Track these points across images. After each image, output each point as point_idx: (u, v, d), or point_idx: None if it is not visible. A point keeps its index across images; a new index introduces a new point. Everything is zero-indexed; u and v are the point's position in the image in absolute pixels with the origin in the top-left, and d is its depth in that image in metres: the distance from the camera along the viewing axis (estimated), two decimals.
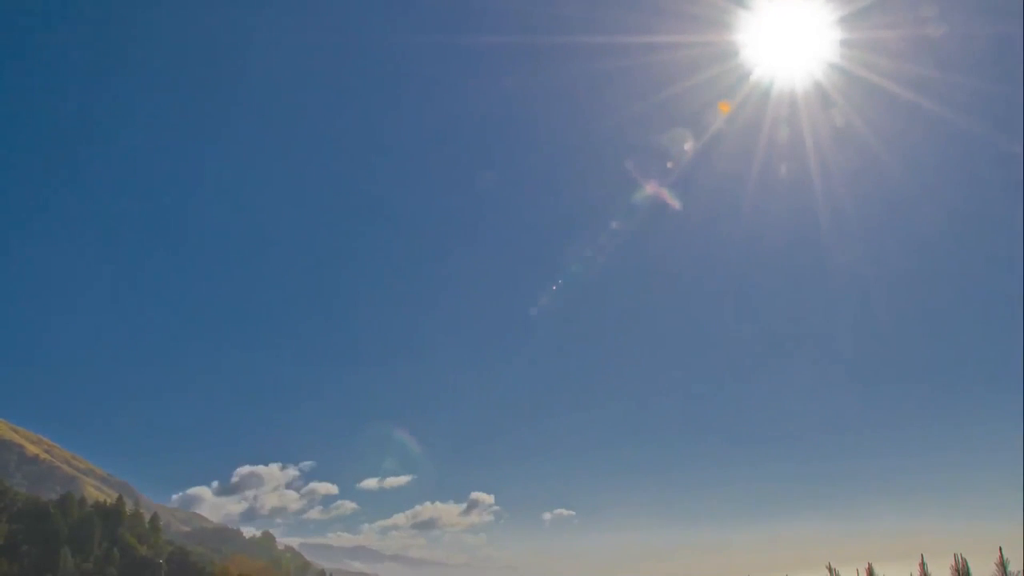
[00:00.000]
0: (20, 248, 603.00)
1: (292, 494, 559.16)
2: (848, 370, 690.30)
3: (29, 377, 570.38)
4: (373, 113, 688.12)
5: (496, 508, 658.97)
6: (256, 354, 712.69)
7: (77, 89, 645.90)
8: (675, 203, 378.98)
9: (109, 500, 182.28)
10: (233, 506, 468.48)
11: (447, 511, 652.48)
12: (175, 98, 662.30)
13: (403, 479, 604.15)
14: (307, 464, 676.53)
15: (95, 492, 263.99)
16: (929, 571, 30.84)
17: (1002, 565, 29.96)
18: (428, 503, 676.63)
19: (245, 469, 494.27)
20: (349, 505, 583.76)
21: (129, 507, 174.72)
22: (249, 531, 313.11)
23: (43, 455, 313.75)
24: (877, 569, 32.11)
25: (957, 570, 30.53)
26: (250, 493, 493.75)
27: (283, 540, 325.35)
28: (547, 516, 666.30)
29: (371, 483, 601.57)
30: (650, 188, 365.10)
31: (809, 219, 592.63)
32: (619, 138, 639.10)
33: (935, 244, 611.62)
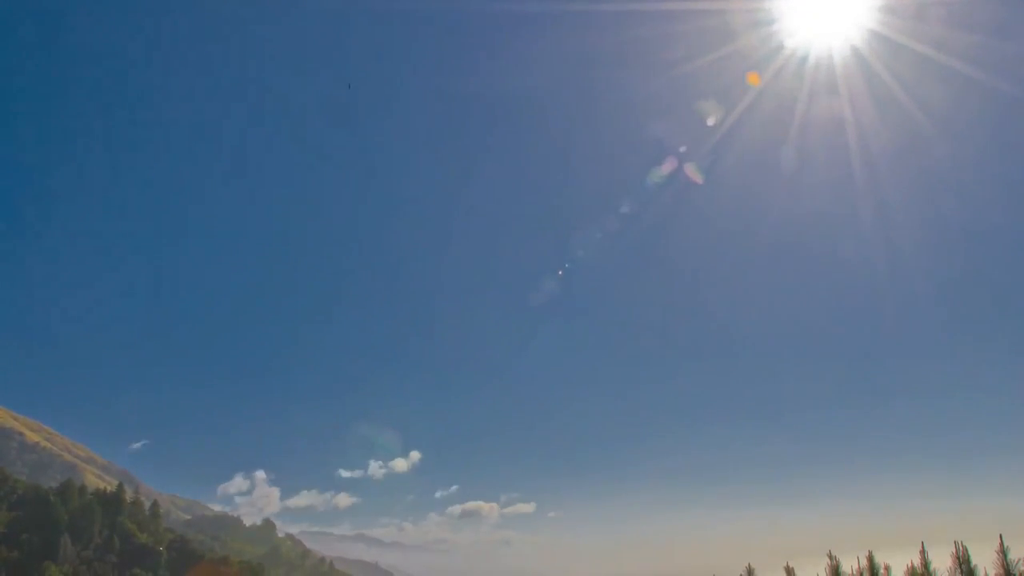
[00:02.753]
0: (22, 240, 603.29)
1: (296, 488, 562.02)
2: (853, 360, 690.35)
3: (30, 365, 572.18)
4: (374, 91, 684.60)
5: (495, 503, 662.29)
6: (257, 349, 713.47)
7: (91, 87, 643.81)
8: (697, 177, 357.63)
9: (109, 488, 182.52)
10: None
11: (445, 505, 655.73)
12: (183, 96, 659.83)
13: (399, 473, 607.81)
14: (308, 459, 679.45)
15: (95, 480, 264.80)
16: (929, 558, 30.56)
17: (1002, 552, 29.67)
18: (426, 497, 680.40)
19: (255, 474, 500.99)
20: (350, 498, 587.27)
21: (129, 495, 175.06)
22: (250, 519, 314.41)
23: (44, 443, 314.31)
24: (877, 556, 31.85)
25: (957, 557, 30.23)
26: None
27: (283, 528, 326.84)
28: (544, 509, 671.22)
29: (368, 478, 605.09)
30: (668, 167, 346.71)
31: (846, 197, 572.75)
32: (639, 113, 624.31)
33: (980, 221, 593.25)
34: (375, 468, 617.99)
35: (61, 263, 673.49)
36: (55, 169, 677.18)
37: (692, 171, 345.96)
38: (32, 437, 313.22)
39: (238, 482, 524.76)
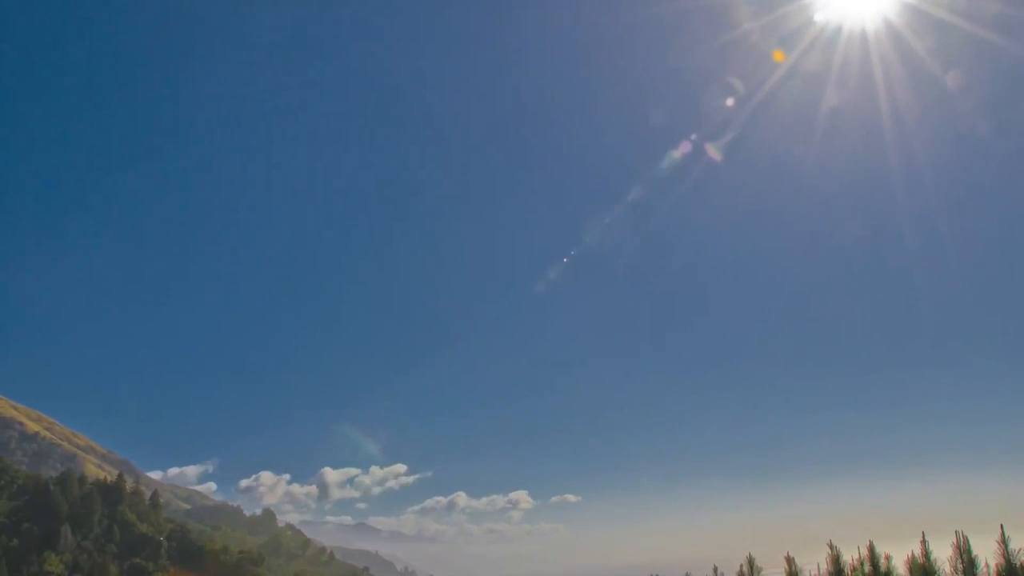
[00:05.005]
0: (22, 231, 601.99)
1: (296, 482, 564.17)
2: (859, 353, 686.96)
3: (30, 355, 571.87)
4: (376, 73, 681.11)
5: (497, 495, 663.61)
6: (258, 338, 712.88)
7: (91, 83, 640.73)
8: (717, 158, 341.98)
9: (110, 478, 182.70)
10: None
11: (446, 496, 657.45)
12: (182, 91, 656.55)
13: (400, 464, 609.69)
14: (310, 449, 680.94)
15: (95, 470, 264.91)
16: (930, 548, 30.43)
17: (1003, 542, 29.50)
18: (428, 488, 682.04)
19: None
20: (351, 488, 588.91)
21: (130, 485, 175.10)
22: (250, 509, 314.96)
23: (44, 432, 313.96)
24: (878, 547, 31.73)
25: (958, 547, 30.08)
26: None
27: (284, 518, 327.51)
28: (545, 502, 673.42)
29: (369, 470, 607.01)
30: (683, 150, 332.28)
31: (879, 178, 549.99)
32: (656, 95, 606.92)
33: (1018, 200, 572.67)
34: (377, 459, 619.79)
35: (61, 253, 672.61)
36: (54, 162, 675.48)
37: (712, 154, 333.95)
38: (32, 427, 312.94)
39: (239, 472, 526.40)
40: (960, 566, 30.02)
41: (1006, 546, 30.12)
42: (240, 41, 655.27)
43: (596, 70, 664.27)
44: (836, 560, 32.17)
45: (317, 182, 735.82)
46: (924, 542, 31.18)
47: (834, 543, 32.13)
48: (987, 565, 29.86)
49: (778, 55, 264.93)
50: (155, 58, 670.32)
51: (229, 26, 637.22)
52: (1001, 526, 29.97)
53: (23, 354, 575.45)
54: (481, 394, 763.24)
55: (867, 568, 31.27)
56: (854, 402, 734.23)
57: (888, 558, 31.67)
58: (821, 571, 32.24)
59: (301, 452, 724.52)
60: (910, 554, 31.09)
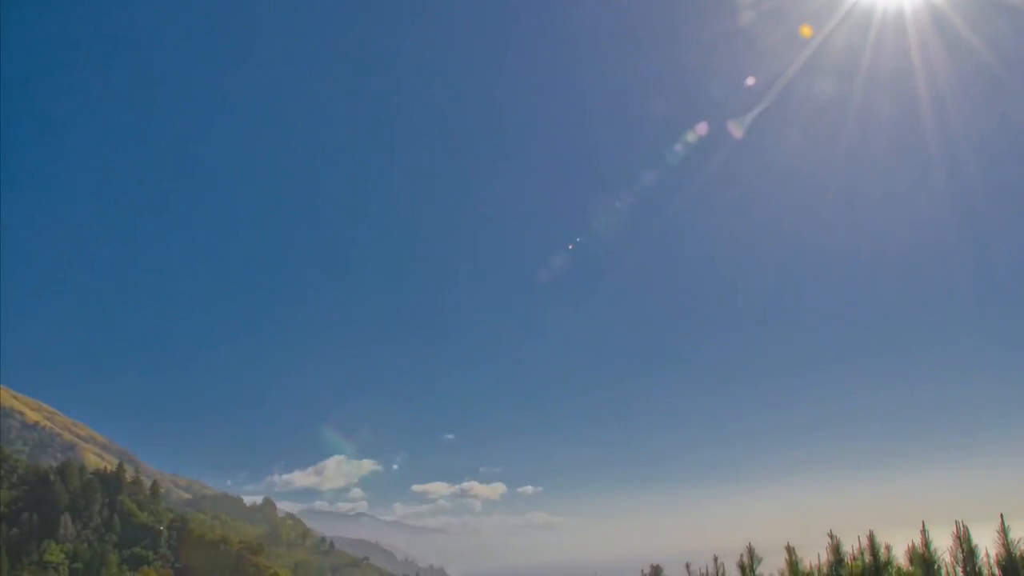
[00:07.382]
0: (22, 221, 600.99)
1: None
2: (860, 342, 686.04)
3: (31, 345, 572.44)
4: (384, 55, 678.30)
5: (497, 486, 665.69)
6: (255, 336, 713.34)
7: (85, 79, 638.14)
8: (738, 135, 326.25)
9: (110, 467, 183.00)
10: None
11: (447, 487, 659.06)
12: (178, 88, 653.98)
13: (399, 455, 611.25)
14: (309, 440, 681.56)
15: (96, 459, 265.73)
16: (930, 537, 30.22)
17: (1003, 532, 29.24)
18: (428, 480, 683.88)
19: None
20: (351, 478, 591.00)
21: (130, 474, 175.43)
22: (250, 499, 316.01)
23: (44, 422, 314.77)
24: (878, 536, 31.50)
25: (958, 536, 29.86)
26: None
27: (284, 507, 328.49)
28: (547, 493, 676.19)
29: (368, 461, 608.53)
30: (699, 133, 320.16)
31: (915, 160, 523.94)
32: (676, 75, 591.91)
33: None
34: (377, 452, 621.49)
35: (61, 243, 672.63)
36: (56, 155, 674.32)
37: (733, 136, 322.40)
38: (32, 416, 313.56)
39: (240, 462, 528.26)
40: (960, 556, 29.90)
41: (1006, 535, 29.96)
42: (238, 39, 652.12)
43: (612, 50, 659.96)
44: (836, 550, 32.00)
45: (315, 177, 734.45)
46: (924, 532, 31.03)
47: (834, 533, 31.98)
48: (987, 555, 29.72)
49: (805, 31, 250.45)
50: (159, 55, 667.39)
51: (228, 24, 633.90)
52: (1001, 515, 29.79)
53: (24, 344, 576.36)
54: (485, 390, 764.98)
55: (867, 558, 31.11)
56: (854, 397, 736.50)
57: (888, 548, 31.54)
58: (821, 560, 32.13)
59: (301, 443, 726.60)
60: (910, 544, 30.92)
